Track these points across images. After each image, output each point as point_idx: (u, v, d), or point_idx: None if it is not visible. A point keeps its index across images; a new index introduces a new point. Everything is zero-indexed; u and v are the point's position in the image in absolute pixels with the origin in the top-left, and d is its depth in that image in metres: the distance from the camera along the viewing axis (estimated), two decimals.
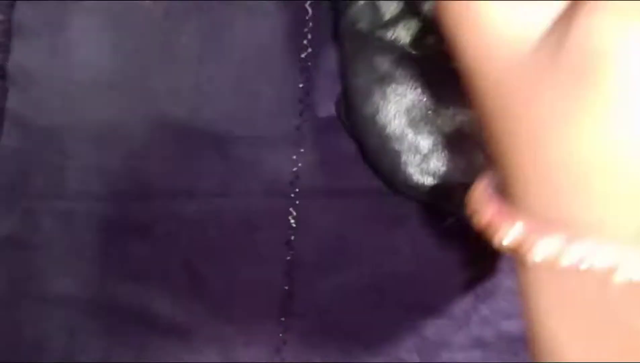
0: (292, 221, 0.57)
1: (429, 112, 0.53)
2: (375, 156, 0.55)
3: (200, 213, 0.57)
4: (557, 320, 0.27)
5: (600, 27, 0.23)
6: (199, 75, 0.59)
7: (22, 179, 0.56)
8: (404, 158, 0.53)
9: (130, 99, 0.58)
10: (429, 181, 0.53)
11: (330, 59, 0.61)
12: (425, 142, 0.54)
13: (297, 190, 0.58)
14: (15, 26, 0.57)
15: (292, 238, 0.57)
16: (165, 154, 0.58)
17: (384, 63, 0.54)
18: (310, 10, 0.61)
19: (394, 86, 0.53)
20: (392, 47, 0.53)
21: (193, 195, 0.58)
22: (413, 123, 0.53)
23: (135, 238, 0.57)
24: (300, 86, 0.60)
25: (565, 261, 0.25)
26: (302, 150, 0.58)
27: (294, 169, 0.58)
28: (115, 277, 0.56)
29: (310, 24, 0.61)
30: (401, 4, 0.53)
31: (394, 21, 0.53)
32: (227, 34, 0.60)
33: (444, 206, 0.55)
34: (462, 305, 0.58)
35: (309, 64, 0.61)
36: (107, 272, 0.56)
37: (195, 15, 0.59)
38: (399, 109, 0.53)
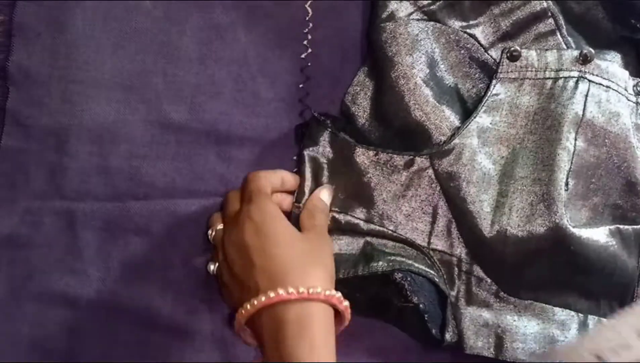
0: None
1: None
2: None
3: (200, 213, 0.57)
4: None
5: None
6: (199, 75, 0.59)
7: (22, 179, 0.56)
8: None
9: (130, 99, 0.58)
10: None
11: (330, 59, 0.61)
12: None
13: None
14: (16, 26, 0.57)
15: None
16: (165, 154, 0.58)
17: None
18: (310, 11, 0.61)
19: None
20: None
21: (193, 195, 0.58)
22: None
23: (135, 238, 0.57)
24: (300, 86, 0.60)
25: None
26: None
27: (294, 169, 0.59)
28: (115, 277, 0.56)
29: (310, 24, 0.61)
30: None
31: None
32: (227, 34, 0.60)
33: None
34: None
35: (309, 64, 0.61)
36: (108, 272, 0.56)
37: (195, 15, 0.59)
38: None
